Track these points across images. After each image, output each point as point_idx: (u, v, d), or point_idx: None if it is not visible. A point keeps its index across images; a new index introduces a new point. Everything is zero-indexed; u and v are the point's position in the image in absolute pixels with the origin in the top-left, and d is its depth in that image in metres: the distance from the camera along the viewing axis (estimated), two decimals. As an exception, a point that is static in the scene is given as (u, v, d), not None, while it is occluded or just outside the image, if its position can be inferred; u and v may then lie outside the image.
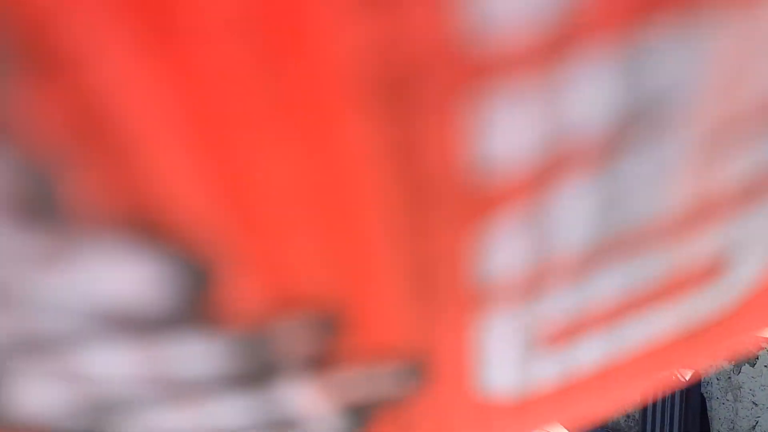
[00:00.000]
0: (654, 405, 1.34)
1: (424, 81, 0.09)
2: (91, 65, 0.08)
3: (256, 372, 0.14)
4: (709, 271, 0.16)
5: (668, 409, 1.32)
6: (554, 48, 0.10)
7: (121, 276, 0.10)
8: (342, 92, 0.09)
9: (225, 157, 0.09)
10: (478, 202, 0.12)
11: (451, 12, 0.09)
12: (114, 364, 0.12)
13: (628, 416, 1.42)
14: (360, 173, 0.10)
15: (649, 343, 0.18)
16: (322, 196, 0.10)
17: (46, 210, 0.09)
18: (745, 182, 0.13)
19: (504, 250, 0.13)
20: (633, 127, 0.11)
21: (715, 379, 1.37)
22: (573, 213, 0.13)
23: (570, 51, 0.10)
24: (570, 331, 0.16)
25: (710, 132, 0.12)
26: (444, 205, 0.11)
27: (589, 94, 0.10)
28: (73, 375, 0.12)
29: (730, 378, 1.36)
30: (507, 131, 0.10)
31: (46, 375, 0.12)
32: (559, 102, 0.10)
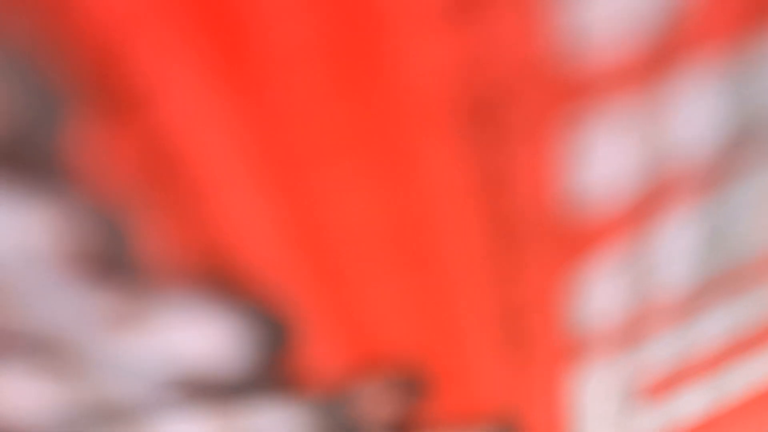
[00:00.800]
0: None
1: (514, 103, 0.09)
2: (163, 101, 0.07)
3: (338, 440, 0.13)
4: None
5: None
6: (657, 62, 0.09)
7: (197, 336, 0.10)
8: (426, 118, 0.08)
9: (302, 197, 0.09)
10: (573, 239, 0.11)
11: (543, 26, 0.08)
12: (189, 437, 0.11)
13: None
14: (445, 211, 0.09)
15: (755, 390, 0.17)
16: (404, 238, 0.10)
17: (118, 265, 0.08)
18: None
19: (601, 293, 0.12)
20: (744, 147, 0.10)
21: None
22: (677, 248, 0.12)
23: (675, 64, 0.09)
24: (672, 381, 0.15)
25: None
26: (535, 244, 0.11)
27: (696, 112, 0.09)
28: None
29: None
30: (605, 158, 0.10)
31: None
32: (662, 123, 0.09)
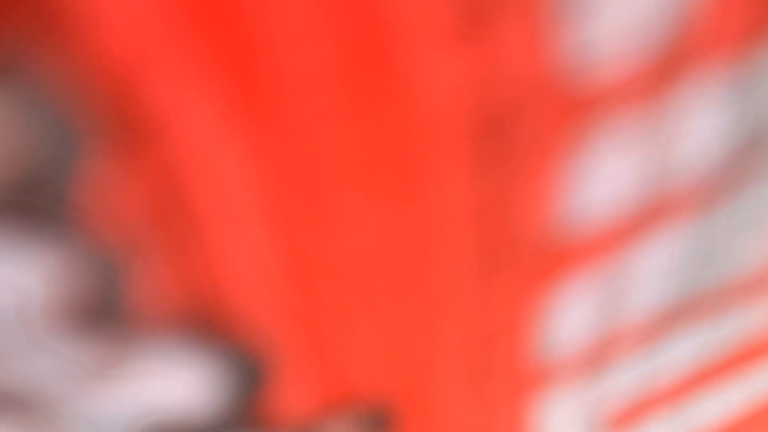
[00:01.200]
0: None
1: (524, 120, 0.08)
2: (177, 134, 0.07)
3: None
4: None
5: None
6: (663, 75, 0.09)
7: (175, 382, 0.09)
8: (438, 137, 0.08)
9: (309, 229, 0.08)
10: (551, 261, 0.10)
11: (550, 41, 0.08)
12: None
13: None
14: (448, 234, 0.09)
15: (721, 422, 0.17)
16: (401, 265, 0.09)
17: (107, 312, 0.08)
18: None
19: (571, 318, 0.12)
20: (747, 159, 0.10)
21: None
22: (657, 269, 0.11)
23: (679, 77, 0.09)
24: (637, 410, 0.15)
25: None
26: (516, 268, 0.10)
27: (700, 124, 0.09)
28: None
29: None
30: (608, 176, 0.09)
31: None
32: (668, 136, 0.09)
